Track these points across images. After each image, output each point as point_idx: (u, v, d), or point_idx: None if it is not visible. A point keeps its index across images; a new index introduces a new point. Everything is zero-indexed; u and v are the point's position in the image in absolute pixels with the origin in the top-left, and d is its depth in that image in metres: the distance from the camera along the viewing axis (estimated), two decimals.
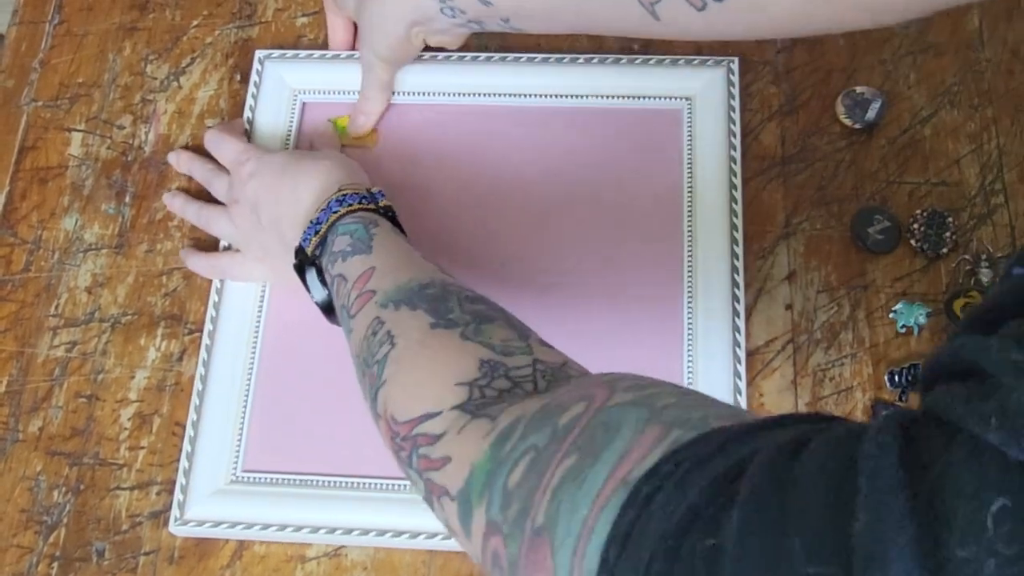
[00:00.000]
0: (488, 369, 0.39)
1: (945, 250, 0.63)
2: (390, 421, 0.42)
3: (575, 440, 0.32)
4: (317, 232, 0.54)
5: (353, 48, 0.70)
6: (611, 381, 0.35)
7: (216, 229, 0.64)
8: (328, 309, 0.55)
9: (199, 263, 0.65)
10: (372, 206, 0.56)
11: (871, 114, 0.66)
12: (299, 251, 0.55)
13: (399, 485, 0.59)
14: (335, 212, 0.54)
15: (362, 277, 0.49)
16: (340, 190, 0.56)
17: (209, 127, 0.68)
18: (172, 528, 0.59)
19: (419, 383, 0.41)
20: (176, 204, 0.66)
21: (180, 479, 0.59)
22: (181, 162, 0.67)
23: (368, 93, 0.66)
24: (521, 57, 0.69)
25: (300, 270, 0.56)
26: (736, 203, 0.63)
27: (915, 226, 0.63)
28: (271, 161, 0.60)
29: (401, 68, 0.67)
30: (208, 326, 0.63)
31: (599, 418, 0.33)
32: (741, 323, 0.61)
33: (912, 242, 0.63)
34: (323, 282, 0.55)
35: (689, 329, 0.61)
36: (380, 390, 0.43)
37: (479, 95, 0.68)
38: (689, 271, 0.62)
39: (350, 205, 0.55)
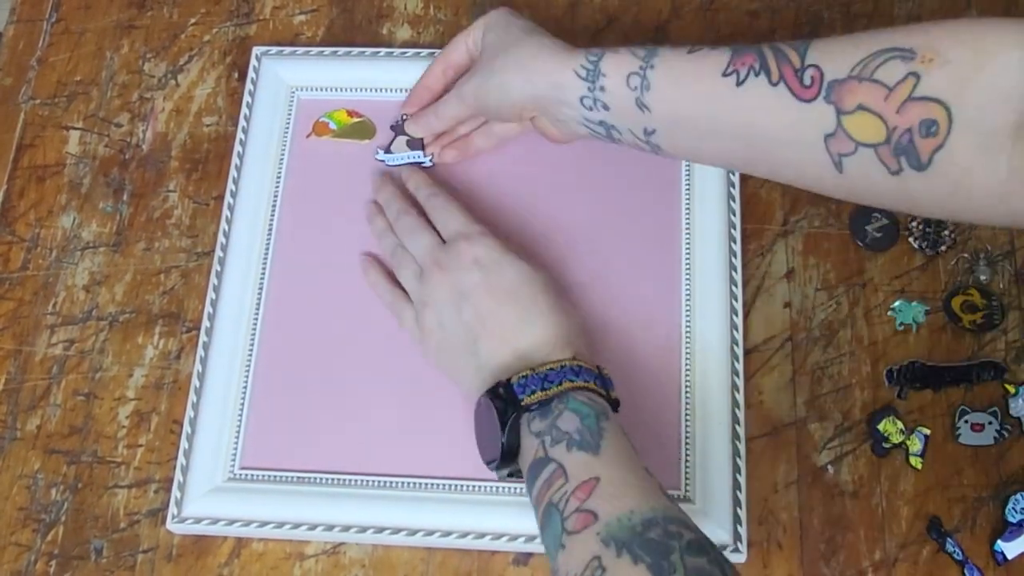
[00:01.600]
0: None
1: (944, 248, 0.63)
2: None
3: None
4: (545, 390, 0.50)
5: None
6: None
7: (401, 319, 0.60)
8: (504, 455, 0.51)
9: (378, 284, 0.62)
10: (603, 392, 0.52)
11: None
12: (507, 391, 0.51)
13: (397, 482, 0.59)
14: (570, 381, 0.50)
15: (585, 485, 0.46)
16: (575, 358, 0.52)
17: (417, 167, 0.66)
18: (170, 526, 0.59)
19: None
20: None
21: (178, 477, 0.59)
22: (380, 194, 0.64)
23: (441, 110, 0.62)
24: None
25: (499, 410, 0.51)
26: (734, 201, 0.63)
27: (914, 224, 0.63)
28: (501, 275, 0.55)
29: (494, 119, 0.63)
30: (206, 324, 0.63)
31: None
32: (739, 321, 0.61)
33: (910, 240, 0.63)
34: (512, 428, 0.51)
35: (687, 327, 0.61)
36: None
37: None
38: (687, 269, 0.62)
39: (585, 382, 0.51)
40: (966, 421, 0.58)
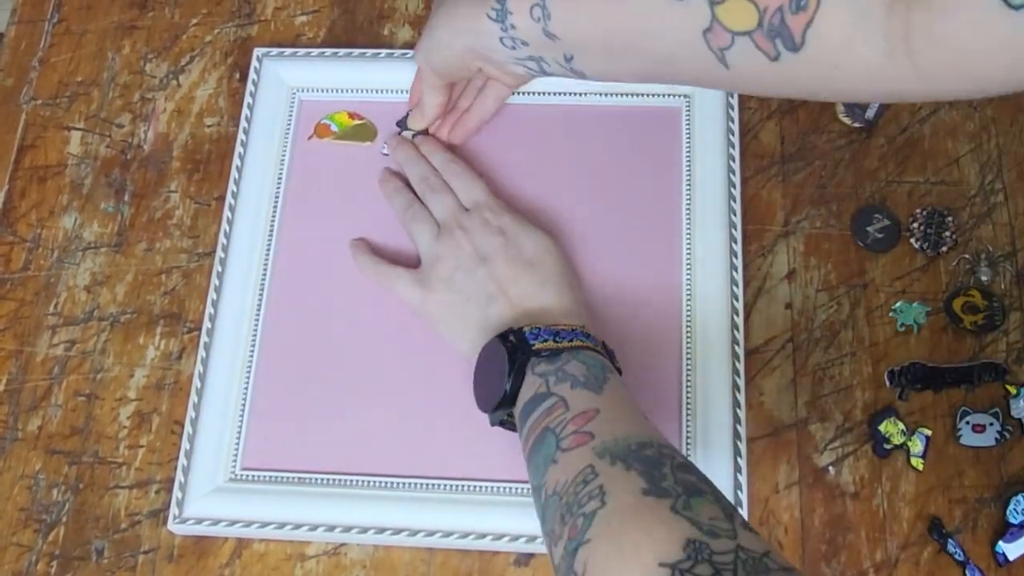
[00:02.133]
0: (692, 551, 0.38)
1: (945, 249, 0.63)
2: None
3: None
4: (556, 341, 0.52)
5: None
6: None
7: (398, 290, 0.61)
8: (503, 401, 0.52)
9: (366, 264, 0.62)
10: (608, 361, 0.53)
11: (870, 113, 0.66)
12: (518, 337, 0.52)
13: (398, 483, 0.59)
14: (581, 341, 0.52)
15: (584, 414, 0.47)
16: (585, 328, 0.54)
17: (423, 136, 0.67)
18: (171, 526, 0.59)
19: (623, 554, 0.40)
20: (387, 187, 0.65)
21: (179, 477, 0.59)
22: (397, 153, 0.66)
23: (424, 99, 0.63)
24: None
25: (508, 352, 0.52)
26: (735, 201, 0.63)
27: (915, 225, 0.63)
28: (522, 245, 0.58)
29: (453, 80, 0.63)
30: (207, 324, 0.63)
31: None
32: (740, 322, 0.61)
33: (912, 241, 0.63)
34: (518, 370, 0.52)
35: (688, 328, 0.61)
36: (581, 548, 0.41)
37: None
38: (688, 270, 0.62)
39: (594, 345, 0.53)
40: (967, 422, 0.58)
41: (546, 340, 0.52)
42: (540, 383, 0.50)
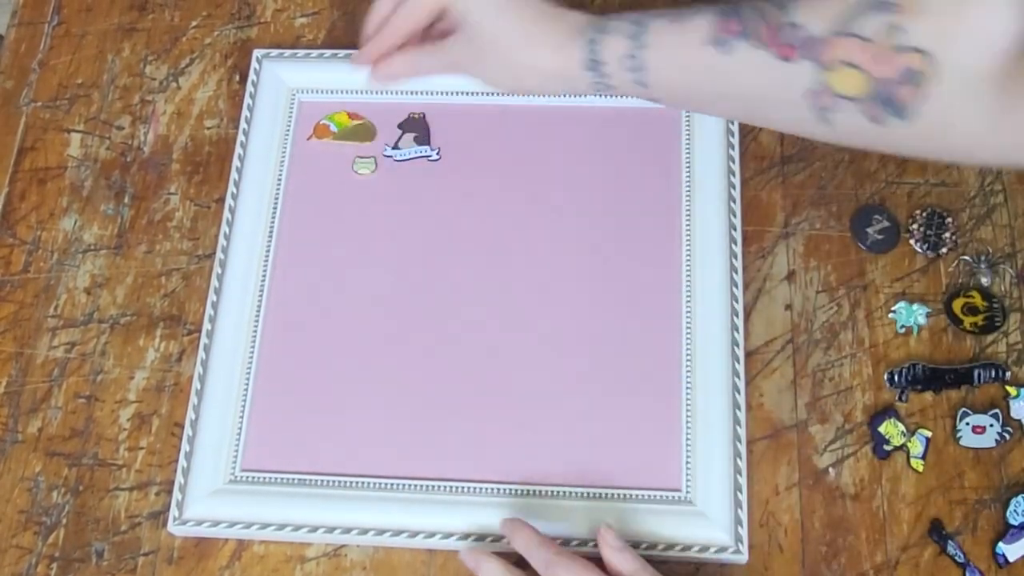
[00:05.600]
0: None
1: (944, 250, 0.63)
2: None
3: None
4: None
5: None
6: None
7: None
8: None
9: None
10: None
11: None
12: None
13: (398, 484, 0.59)
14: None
15: None
16: None
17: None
18: (171, 528, 0.59)
19: None
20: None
21: (179, 479, 0.59)
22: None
23: (422, 64, 0.58)
24: None
25: None
26: (735, 202, 0.63)
27: (914, 226, 0.63)
28: None
29: None
30: (207, 326, 0.63)
31: None
32: (740, 323, 0.61)
33: (911, 242, 0.63)
34: None
35: (688, 329, 0.61)
36: None
37: (475, 93, 0.68)
38: (688, 271, 0.62)
39: None
40: (967, 423, 0.58)
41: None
42: None
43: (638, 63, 0.50)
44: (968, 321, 0.61)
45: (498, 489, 0.58)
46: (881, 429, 0.59)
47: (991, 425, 0.58)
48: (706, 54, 0.47)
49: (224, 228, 0.66)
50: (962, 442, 0.58)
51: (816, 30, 0.44)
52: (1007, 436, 0.58)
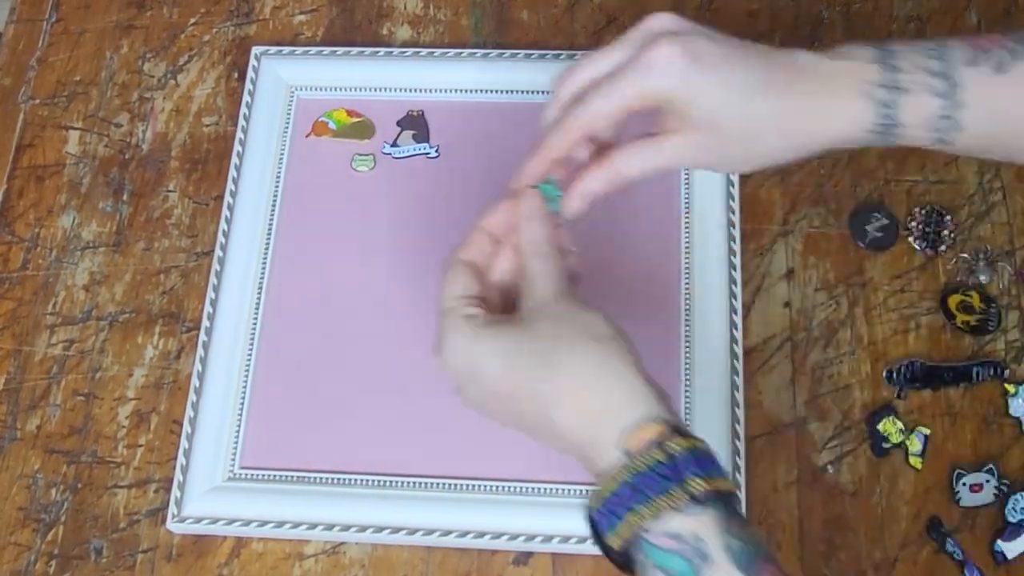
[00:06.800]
0: None
1: (943, 248, 0.63)
2: None
3: None
4: (614, 531, 0.39)
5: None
6: None
7: None
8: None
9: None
10: (701, 487, 0.38)
11: None
12: (594, 527, 0.41)
13: (397, 482, 0.59)
14: (634, 511, 0.38)
15: None
16: (674, 427, 0.40)
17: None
18: (170, 525, 0.59)
19: None
20: None
21: (178, 476, 0.59)
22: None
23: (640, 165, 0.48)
24: (518, 54, 0.69)
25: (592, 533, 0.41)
26: (734, 200, 0.63)
27: (913, 224, 0.63)
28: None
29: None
30: (205, 323, 0.63)
31: None
32: (739, 320, 0.61)
33: (910, 240, 0.63)
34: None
35: (687, 327, 0.61)
36: None
37: (474, 92, 0.68)
38: (686, 269, 0.62)
39: (671, 495, 0.38)
40: (964, 483, 0.57)
41: (609, 533, 0.39)
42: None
43: (952, 123, 0.43)
44: (960, 318, 0.61)
45: (497, 486, 0.58)
46: (880, 427, 0.59)
47: (987, 481, 0.57)
48: None
49: (223, 225, 0.65)
50: (962, 504, 0.57)
51: None
52: (1004, 488, 0.57)
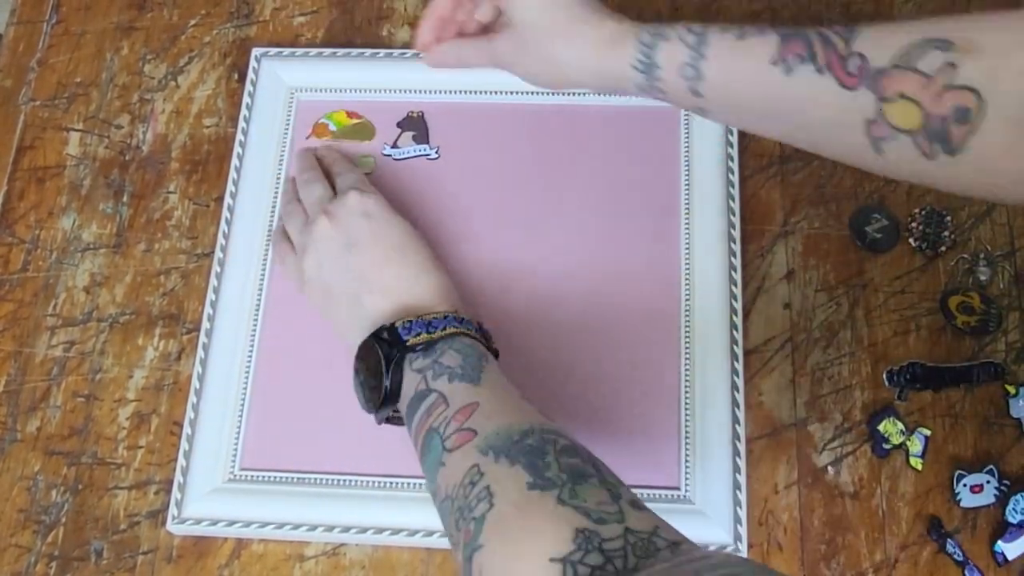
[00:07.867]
0: (582, 541, 0.40)
1: (944, 249, 0.63)
2: None
3: None
4: (430, 332, 0.53)
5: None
6: (698, 572, 0.36)
7: (283, 267, 0.63)
8: (388, 396, 0.53)
9: (275, 236, 0.64)
10: (483, 341, 0.55)
11: None
12: (392, 334, 0.53)
13: (397, 483, 0.59)
14: (454, 327, 0.53)
15: (465, 409, 0.48)
16: (457, 312, 0.55)
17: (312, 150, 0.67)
18: (170, 527, 0.59)
19: (516, 555, 0.41)
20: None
21: (178, 478, 0.59)
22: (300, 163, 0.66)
23: (465, 58, 0.59)
24: None
25: (383, 351, 0.53)
26: (734, 201, 0.63)
27: (914, 225, 0.63)
28: (389, 230, 0.58)
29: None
30: (206, 325, 0.63)
31: None
32: (739, 322, 0.61)
33: (911, 241, 0.63)
34: (395, 368, 0.53)
35: (687, 328, 0.61)
36: (476, 553, 0.42)
37: (474, 93, 0.68)
38: (687, 270, 0.62)
39: (468, 330, 0.54)
40: (964, 484, 0.57)
41: (419, 333, 0.52)
42: (419, 379, 0.51)
43: (696, 72, 0.50)
44: (961, 319, 0.61)
45: None
46: (880, 428, 0.59)
47: (988, 482, 0.57)
48: (768, 73, 0.48)
49: (223, 227, 0.66)
50: (962, 504, 0.57)
51: (879, 62, 0.44)
52: (1005, 489, 0.57)
